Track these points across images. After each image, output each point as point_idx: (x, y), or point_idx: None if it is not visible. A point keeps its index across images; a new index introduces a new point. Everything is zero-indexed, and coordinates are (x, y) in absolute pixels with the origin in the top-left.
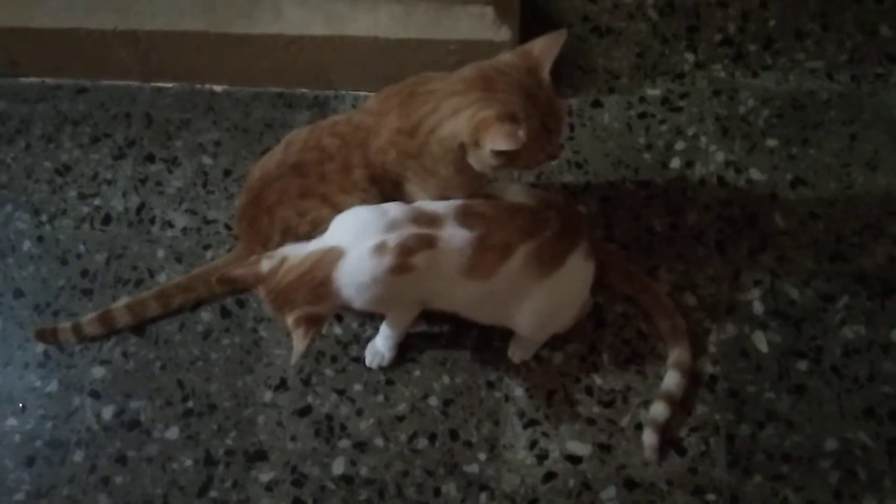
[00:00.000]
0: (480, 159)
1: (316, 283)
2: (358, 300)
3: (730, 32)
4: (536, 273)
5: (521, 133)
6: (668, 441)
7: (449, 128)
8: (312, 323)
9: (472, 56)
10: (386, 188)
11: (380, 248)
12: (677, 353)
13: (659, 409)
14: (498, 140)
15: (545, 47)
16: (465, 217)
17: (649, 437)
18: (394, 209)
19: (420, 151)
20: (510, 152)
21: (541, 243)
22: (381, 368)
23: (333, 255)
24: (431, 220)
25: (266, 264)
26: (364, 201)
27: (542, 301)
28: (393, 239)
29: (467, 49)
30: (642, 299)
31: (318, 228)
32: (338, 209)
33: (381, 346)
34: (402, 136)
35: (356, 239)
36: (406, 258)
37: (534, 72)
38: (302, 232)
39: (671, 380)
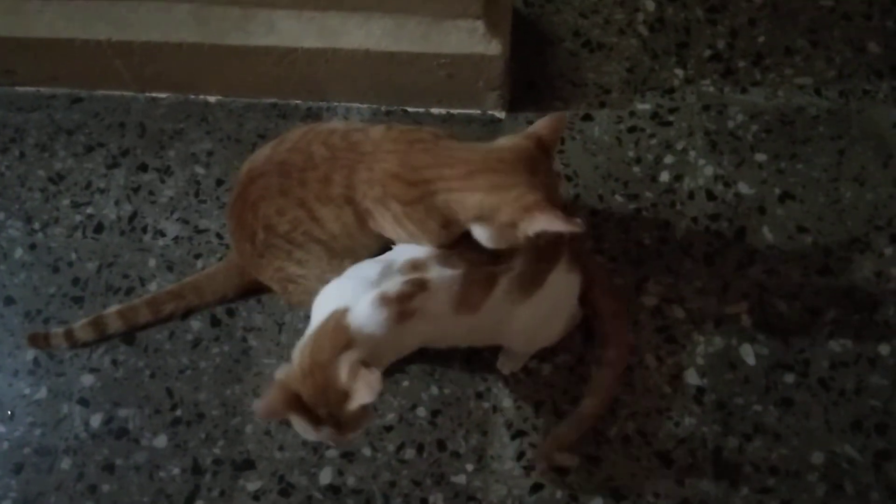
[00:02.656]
0: (504, 236)
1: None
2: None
3: (719, 48)
4: (520, 296)
5: (579, 220)
6: (655, 453)
7: (477, 199)
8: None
9: (463, 69)
10: (360, 212)
11: (382, 299)
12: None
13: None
14: (554, 223)
15: (551, 131)
16: (446, 258)
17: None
18: (371, 271)
19: (416, 200)
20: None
21: (521, 270)
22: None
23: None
24: (415, 265)
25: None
26: (338, 217)
27: (528, 319)
28: (391, 287)
29: (458, 62)
30: (609, 324)
31: (296, 230)
32: (313, 215)
33: None
34: (398, 182)
35: (354, 297)
36: (406, 304)
37: (547, 155)
38: (282, 230)
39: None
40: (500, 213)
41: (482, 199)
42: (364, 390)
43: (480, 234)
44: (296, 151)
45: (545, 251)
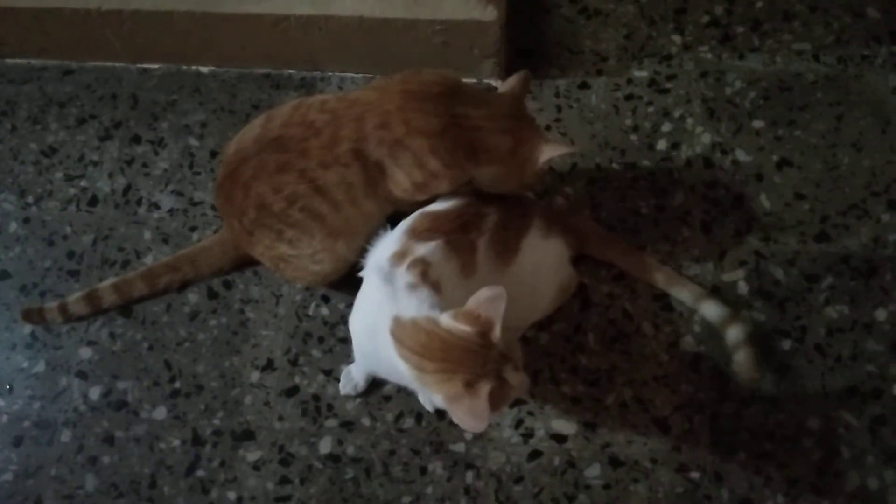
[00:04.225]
0: (513, 173)
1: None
2: None
3: (717, 14)
4: (499, 265)
5: (574, 145)
6: (653, 419)
7: (504, 141)
8: None
9: (458, 36)
10: (369, 167)
11: (411, 286)
12: (688, 291)
13: (733, 333)
14: (559, 149)
15: (520, 87)
16: (419, 236)
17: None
18: (376, 280)
19: (444, 130)
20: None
21: (490, 235)
22: (356, 395)
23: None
24: (400, 255)
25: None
26: (342, 179)
27: (515, 289)
28: (406, 277)
29: (453, 29)
30: (627, 262)
31: (293, 206)
32: (315, 185)
33: (356, 373)
34: (422, 115)
35: (391, 305)
36: (428, 278)
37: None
38: (277, 209)
39: (709, 311)
40: (518, 151)
41: (507, 140)
42: (491, 304)
43: (489, 173)
44: (291, 126)
45: (512, 217)
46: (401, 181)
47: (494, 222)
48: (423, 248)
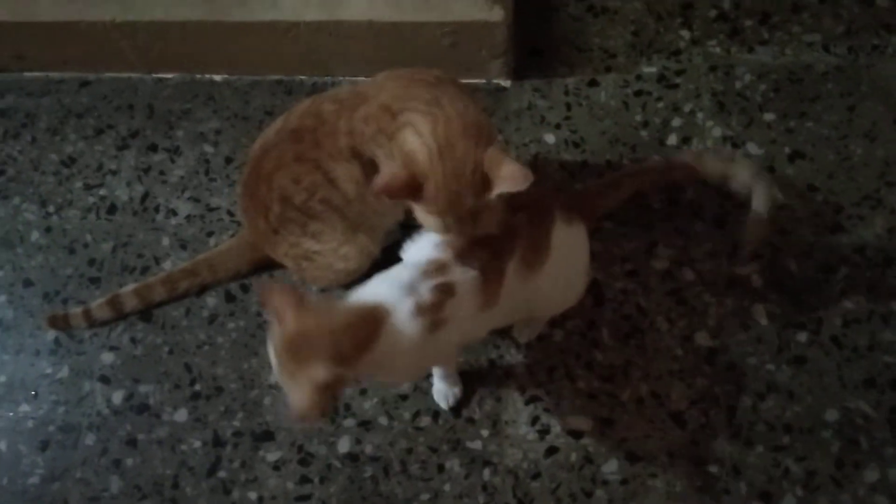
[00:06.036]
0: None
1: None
2: (390, 367)
3: (725, 8)
4: (531, 272)
5: (436, 201)
6: (669, 414)
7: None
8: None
9: (466, 38)
10: (365, 164)
11: (419, 309)
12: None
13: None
14: (392, 183)
15: (513, 178)
16: (462, 252)
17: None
18: (404, 273)
19: (394, 135)
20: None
21: (522, 251)
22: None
23: (380, 313)
24: (439, 267)
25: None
26: (350, 175)
27: (552, 284)
28: (424, 296)
29: (461, 31)
30: (650, 179)
31: (313, 197)
32: (328, 177)
33: (444, 386)
34: (386, 115)
35: (396, 299)
36: (438, 314)
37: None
38: (299, 201)
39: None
40: (405, 113)
41: (411, 116)
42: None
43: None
44: (307, 116)
45: (537, 217)
46: None
47: (526, 234)
48: (460, 274)
